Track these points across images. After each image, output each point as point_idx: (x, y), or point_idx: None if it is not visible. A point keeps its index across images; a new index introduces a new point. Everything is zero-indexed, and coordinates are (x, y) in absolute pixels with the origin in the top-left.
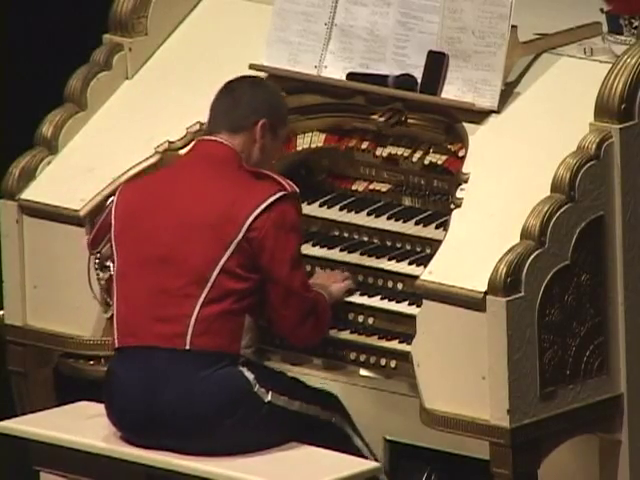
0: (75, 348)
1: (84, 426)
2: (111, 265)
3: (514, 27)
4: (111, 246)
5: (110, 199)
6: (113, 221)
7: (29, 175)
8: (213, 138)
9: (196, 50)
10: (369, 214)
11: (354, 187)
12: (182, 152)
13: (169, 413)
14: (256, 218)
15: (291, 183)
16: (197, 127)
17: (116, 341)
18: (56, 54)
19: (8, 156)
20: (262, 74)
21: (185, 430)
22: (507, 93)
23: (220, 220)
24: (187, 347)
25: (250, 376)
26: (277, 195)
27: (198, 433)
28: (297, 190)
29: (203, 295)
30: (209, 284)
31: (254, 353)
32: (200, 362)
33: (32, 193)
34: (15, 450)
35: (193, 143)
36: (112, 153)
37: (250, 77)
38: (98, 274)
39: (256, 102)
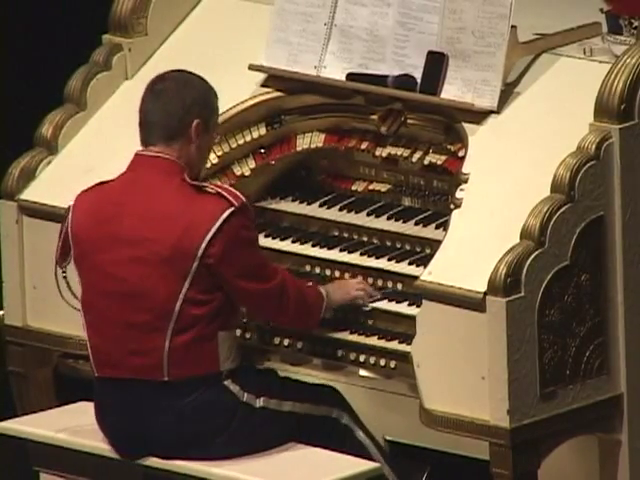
0: (75, 348)
1: (84, 426)
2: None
3: (514, 27)
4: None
5: (68, 205)
6: (71, 242)
7: (29, 175)
8: (153, 154)
9: (196, 50)
10: (369, 214)
11: (354, 187)
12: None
13: (161, 441)
14: (209, 244)
15: (237, 193)
16: None
17: (94, 370)
18: (56, 54)
19: (8, 156)
20: (262, 74)
21: (180, 453)
22: (507, 93)
23: (174, 253)
24: (165, 378)
25: (235, 388)
26: (225, 214)
27: (194, 453)
28: (243, 200)
29: (171, 327)
30: (174, 315)
31: (234, 360)
32: (182, 390)
33: (32, 193)
34: (15, 450)
35: (133, 157)
36: (112, 153)
37: (173, 75)
38: (68, 283)
39: (185, 105)
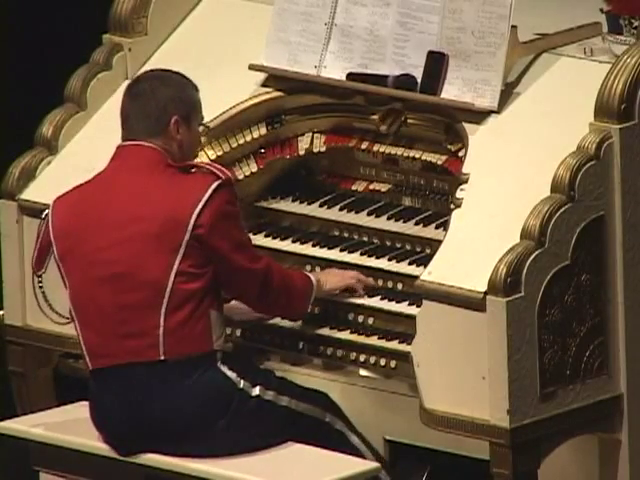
0: (75, 348)
1: (84, 426)
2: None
3: (514, 27)
4: (58, 268)
5: (45, 212)
6: (53, 242)
7: (29, 175)
8: (134, 143)
9: (196, 50)
10: (369, 214)
11: (354, 187)
12: None
13: (159, 428)
14: (199, 215)
15: (222, 168)
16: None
17: (89, 364)
18: (56, 54)
19: (8, 156)
20: (262, 74)
21: (178, 441)
22: (507, 93)
23: (164, 228)
24: (162, 357)
25: (232, 375)
26: (213, 186)
27: (191, 441)
28: (229, 174)
29: (164, 304)
30: (167, 291)
31: (226, 340)
32: (179, 371)
33: (32, 193)
34: (15, 450)
35: (115, 150)
36: (112, 153)
37: (149, 74)
38: (44, 293)
39: (162, 103)
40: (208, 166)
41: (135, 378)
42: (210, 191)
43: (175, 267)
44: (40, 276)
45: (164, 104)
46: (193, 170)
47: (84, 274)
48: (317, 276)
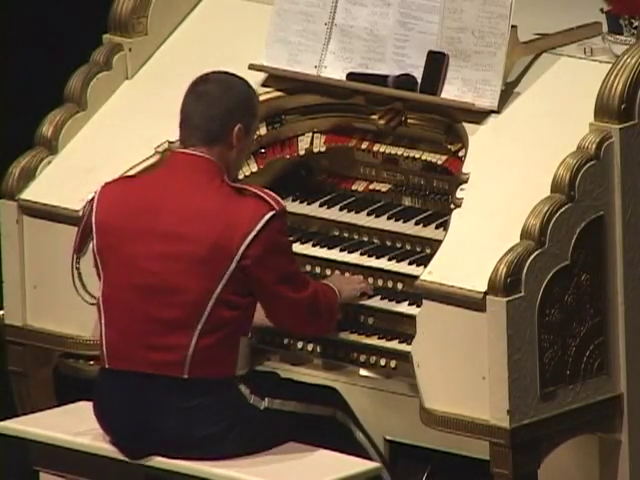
0: (75, 348)
1: (84, 426)
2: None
3: (514, 27)
4: (94, 259)
5: (90, 196)
6: (94, 233)
7: (29, 175)
8: (192, 152)
9: (196, 50)
10: (369, 214)
11: (354, 187)
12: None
13: (166, 439)
14: (248, 247)
15: (277, 198)
16: None
17: (105, 362)
18: (56, 54)
19: (8, 156)
20: (262, 74)
21: (184, 452)
22: (507, 93)
23: (211, 254)
24: (185, 376)
25: (246, 391)
26: (266, 218)
27: (198, 453)
28: (284, 205)
29: (200, 326)
30: (205, 315)
31: (248, 366)
32: (199, 390)
33: (32, 193)
34: (15, 450)
35: (169, 154)
36: (112, 153)
37: (216, 77)
38: (80, 275)
39: (228, 110)
40: (262, 193)
41: (152, 389)
42: (262, 223)
43: (216, 293)
44: (79, 256)
45: (231, 110)
46: (249, 192)
47: (120, 275)
48: (334, 284)
